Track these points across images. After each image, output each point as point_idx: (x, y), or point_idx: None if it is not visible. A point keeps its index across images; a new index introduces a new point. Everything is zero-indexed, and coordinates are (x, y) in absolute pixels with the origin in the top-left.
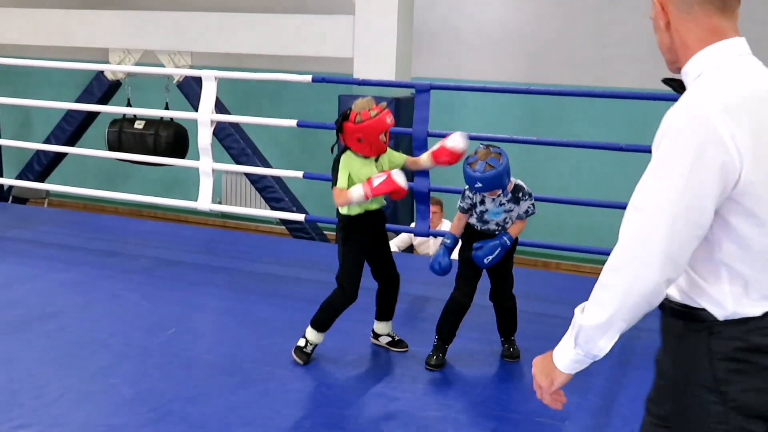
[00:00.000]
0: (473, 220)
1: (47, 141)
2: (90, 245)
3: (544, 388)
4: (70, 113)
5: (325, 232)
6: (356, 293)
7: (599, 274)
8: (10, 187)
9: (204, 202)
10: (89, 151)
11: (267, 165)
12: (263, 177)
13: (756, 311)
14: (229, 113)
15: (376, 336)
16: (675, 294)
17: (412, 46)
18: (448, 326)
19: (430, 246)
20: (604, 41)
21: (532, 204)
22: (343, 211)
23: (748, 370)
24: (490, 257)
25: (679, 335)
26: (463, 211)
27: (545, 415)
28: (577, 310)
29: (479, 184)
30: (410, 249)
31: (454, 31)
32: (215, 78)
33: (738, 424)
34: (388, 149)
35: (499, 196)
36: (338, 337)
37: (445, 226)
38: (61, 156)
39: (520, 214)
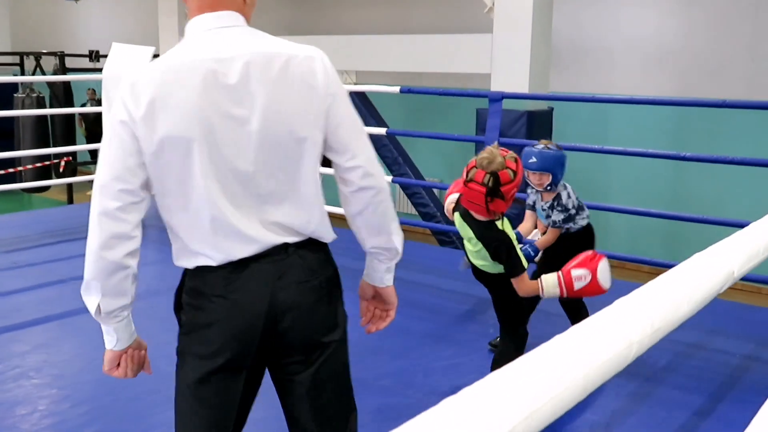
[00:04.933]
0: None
1: None
2: None
3: None
4: None
5: None
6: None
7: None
8: None
9: None
10: None
11: (418, 173)
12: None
13: (190, 265)
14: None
15: None
16: None
17: (551, 63)
18: None
19: None
20: (756, 53)
21: (563, 219)
22: None
23: (191, 303)
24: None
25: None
26: (529, 207)
27: None
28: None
29: (533, 159)
30: None
31: (605, 46)
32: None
33: (185, 342)
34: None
35: (545, 191)
36: None
37: None
38: None
39: (553, 221)
